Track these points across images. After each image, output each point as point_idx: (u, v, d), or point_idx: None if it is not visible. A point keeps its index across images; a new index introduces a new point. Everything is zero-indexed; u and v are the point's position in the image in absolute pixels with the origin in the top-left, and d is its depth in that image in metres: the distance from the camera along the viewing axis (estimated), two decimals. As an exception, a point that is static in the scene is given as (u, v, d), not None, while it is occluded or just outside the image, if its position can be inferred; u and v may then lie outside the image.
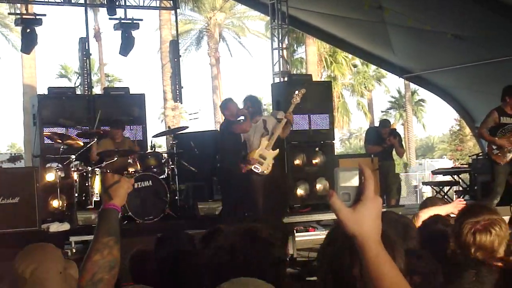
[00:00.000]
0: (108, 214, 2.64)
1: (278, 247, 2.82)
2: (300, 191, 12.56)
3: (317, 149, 12.72)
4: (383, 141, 13.16)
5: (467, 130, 37.29)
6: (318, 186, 12.58)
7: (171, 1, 16.62)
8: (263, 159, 10.38)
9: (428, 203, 5.31)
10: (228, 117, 10.45)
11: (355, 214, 1.77)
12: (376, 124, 27.98)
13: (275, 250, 2.77)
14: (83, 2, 14.91)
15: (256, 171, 10.33)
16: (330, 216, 11.86)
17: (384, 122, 14.34)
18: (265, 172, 10.36)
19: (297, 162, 12.64)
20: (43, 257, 3.25)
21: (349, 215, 1.77)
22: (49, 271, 3.22)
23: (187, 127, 14.21)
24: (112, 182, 2.69)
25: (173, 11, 17.40)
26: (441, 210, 5.03)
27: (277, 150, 10.55)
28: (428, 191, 26.31)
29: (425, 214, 4.82)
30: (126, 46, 14.77)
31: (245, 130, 10.33)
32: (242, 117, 10.37)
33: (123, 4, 14.86)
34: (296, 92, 10.74)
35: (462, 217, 3.61)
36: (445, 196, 14.87)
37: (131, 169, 11.08)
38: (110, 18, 14.72)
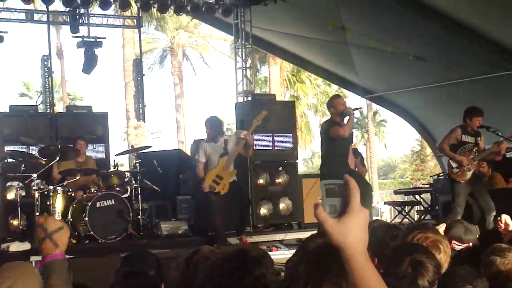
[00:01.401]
0: (59, 265, 2.49)
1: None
2: (263, 211, 12.57)
3: (280, 168, 12.75)
4: None
5: (428, 150, 37.71)
6: (282, 206, 12.60)
7: (135, 20, 16.61)
8: (219, 179, 10.34)
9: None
10: (333, 116, 9.96)
11: (340, 225, 1.74)
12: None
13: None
14: (46, 19, 14.82)
15: (213, 191, 10.31)
16: (293, 236, 11.89)
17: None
18: (221, 192, 10.33)
19: (260, 181, 12.66)
20: (20, 275, 3.20)
21: (334, 226, 1.75)
22: None
23: (150, 146, 14.16)
24: (56, 228, 2.51)
25: (136, 30, 17.39)
26: None
27: (235, 170, 10.51)
28: (386, 211, 26.47)
29: None
30: (89, 64, 14.69)
31: (343, 135, 9.71)
32: (346, 117, 9.80)
33: (86, 22, 14.80)
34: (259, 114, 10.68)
35: (411, 232, 3.62)
36: (407, 216, 14.98)
37: (93, 188, 10.99)
38: (73, 36, 14.65)
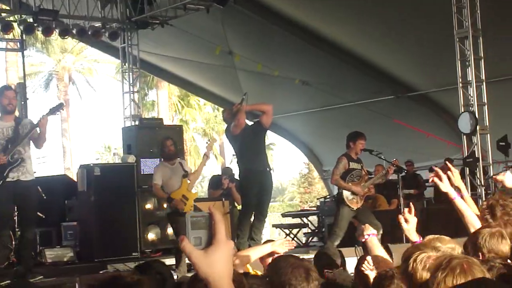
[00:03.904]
0: None
1: None
2: (151, 236, 12.46)
3: (168, 192, 12.68)
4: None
5: (316, 173, 38.35)
6: (169, 231, 12.51)
7: (18, 43, 16.21)
8: (185, 199, 10.13)
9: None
10: (228, 123, 10.19)
11: (207, 257, 1.78)
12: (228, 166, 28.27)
13: None
14: None
15: (181, 211, 10.03)
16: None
17: (225, 170, 14.69)
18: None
19: (148, 206, 12.55)
20: None
21: (201, 258, 1.78)
22: None
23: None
24: None
25: (20, 53, 16.97)
26: (263, 249, 5.10)
27: (197, 193, 10.46)
28: (267, 234, 26.72)
29: (249, 252, 4.90)
30: (-31, 87, 14.21)
31: (238, 123, 9.85)
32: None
33: (-34, 44, 14.37)
34: (208, 142, 10.75)
35: (410, 256, 3.26)
36: (295, 238, 15.16)
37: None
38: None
